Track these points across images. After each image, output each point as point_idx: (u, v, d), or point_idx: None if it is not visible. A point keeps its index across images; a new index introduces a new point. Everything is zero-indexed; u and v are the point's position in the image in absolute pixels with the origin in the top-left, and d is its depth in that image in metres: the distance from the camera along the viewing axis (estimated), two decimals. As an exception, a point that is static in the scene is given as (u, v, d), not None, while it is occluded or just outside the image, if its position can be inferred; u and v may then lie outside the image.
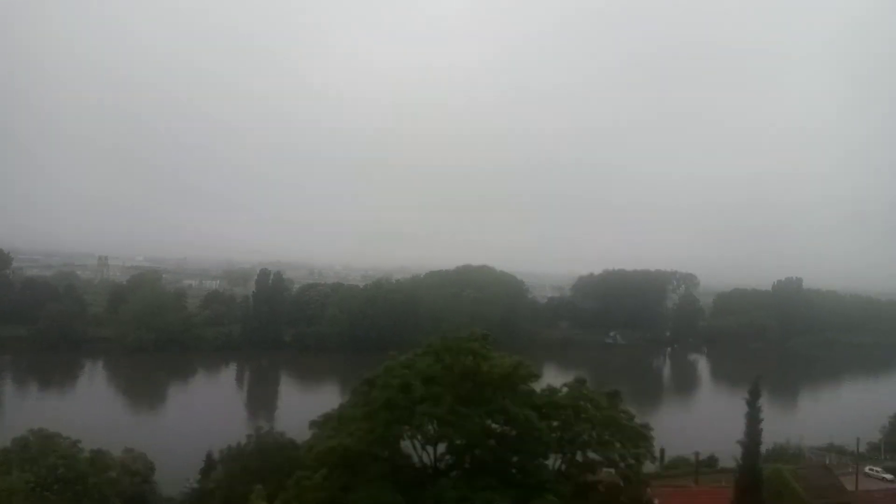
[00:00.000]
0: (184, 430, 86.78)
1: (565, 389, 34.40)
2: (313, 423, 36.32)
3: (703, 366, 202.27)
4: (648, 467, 58.41)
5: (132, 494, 56.72)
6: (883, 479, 74.71)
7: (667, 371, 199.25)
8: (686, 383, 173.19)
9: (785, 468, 58.67)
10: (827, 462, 75.56)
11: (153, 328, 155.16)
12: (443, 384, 31.38)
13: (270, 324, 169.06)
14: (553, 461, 32.35)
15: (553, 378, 61.32)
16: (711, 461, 78.20)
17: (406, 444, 33.10)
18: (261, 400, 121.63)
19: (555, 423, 31.91)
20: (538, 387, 35.01)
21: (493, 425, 31.35)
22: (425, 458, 32.75)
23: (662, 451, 79.36)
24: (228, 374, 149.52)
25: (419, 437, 31.44)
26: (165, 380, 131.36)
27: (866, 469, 76.83)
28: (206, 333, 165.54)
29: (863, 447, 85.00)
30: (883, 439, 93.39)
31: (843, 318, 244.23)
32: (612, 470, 32.53)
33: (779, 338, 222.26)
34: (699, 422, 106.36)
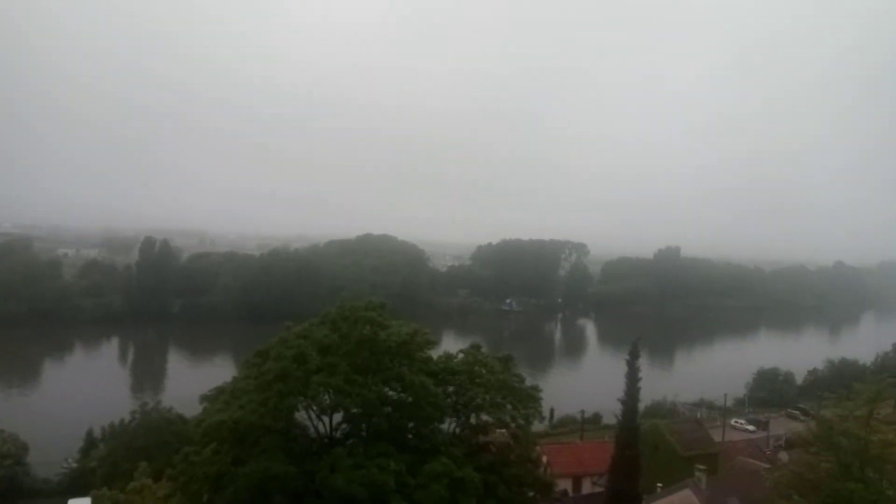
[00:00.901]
0: (61, 408, 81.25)
1: (461, 355, 35.11)
2: (204, 397, 35.04)
3: (590, 329, 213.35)
4: (538, 426, 61.44)
5: (1, 477, 52.82)
6: (746, 430, 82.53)
7: (558, 335, 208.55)
8: (575, 346, 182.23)
9: (661, 423, 63.37)
10: (698, 416, 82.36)
11: (24, 299, 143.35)
12: (339, 354, 31.12)
13: (156, 294, 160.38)
14: (448, 425, 33.11)
15: (451, 345, 62.59)
16: (596, 418, 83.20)
17: (302, 415, 32.71)
18: (147, 374, 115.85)
19: (450, 389, 32.59)
20: (436, 354, 35.55)
21: (390, 393, 31.53)
22: (321, 429, 32.54)
23: (552, 411, 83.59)
24: (110, 347, 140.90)
25: (314, 407, 31.13)
26: (39, 355, 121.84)
27: (732, 422, 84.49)
28: (84, 304, 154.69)
29: (729, 402, 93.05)
30: (747, 394, 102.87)
31: (716, 284, 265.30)
32: (504, 430, 33.72)
33: (659, 302, 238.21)
34: (586, 382, 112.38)
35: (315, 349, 31.11)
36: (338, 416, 32.34)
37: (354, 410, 30.63)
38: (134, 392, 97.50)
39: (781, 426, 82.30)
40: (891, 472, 27.31)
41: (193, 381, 70.34)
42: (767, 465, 48.60)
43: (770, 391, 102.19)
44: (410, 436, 31.48)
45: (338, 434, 32.50)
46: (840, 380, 77.27)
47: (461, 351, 35.51)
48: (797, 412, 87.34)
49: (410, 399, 30.65)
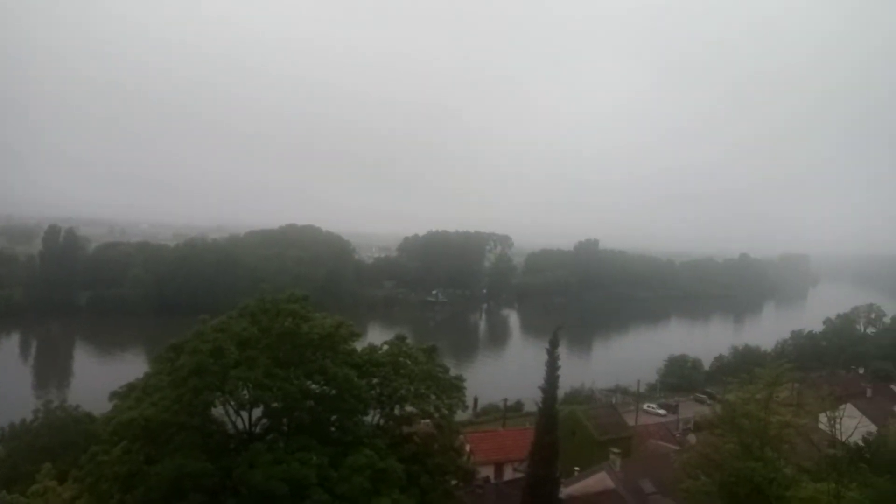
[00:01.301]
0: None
1: (386, 347, 34.96)
2: (114, 394, 33.30)
3: (514, 319, 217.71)
4: (462, 415, 62.21)
5: None
6: (657, 414, 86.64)
7: (483, 325, 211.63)
8: (499, 336, 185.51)
9: (578, 409, 65.58)
10: (613, 402, 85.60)
11: None
12: (259, 347, 30.30)
13: (62, 286, 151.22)
14: (372, 417, 32.98)
15: (377, 336, 62.20)
16: (518, 406, 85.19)
17: (219, 411, 31.72)
18: (51, 371, 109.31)
19: (374, 381, 32.40)
20: (361, 346, 35.27)
21: (313, 386, 31.03)
22: (240, 424, 31.67)
23: (476, 400, 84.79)
24: (10, 343, 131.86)
25: (232, 402, 30.23)
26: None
27: (645, 406, 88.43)
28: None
29: (642, 388, 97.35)
30: (659, 380, 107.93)
31: (631, 275, 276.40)
32: (428, 420, 33.93)
33: (578, 292, 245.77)
34: (509, 371, 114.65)
35: (233, 343, 30.16)
36: (258, 411, 31.56)
37: (275, 405, 29.94)
38: (37, 390, 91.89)
39: (690, 410, 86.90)
40: (787, 452, 29.38)
41: (102, 378, 66.98)
42: (677, 447, 51.34)
43: (680, 377, 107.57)
44: (333, 429, 31.13)
45: (257, 429, 31.71)
46: (743, 365, 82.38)
47: (386, 342, 35.35)
48: (704, 396, 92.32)
49: (334, 392, 30.25)
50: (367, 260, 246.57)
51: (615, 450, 49.28)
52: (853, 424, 33.67)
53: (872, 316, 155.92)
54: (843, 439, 30.58)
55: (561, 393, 69.44)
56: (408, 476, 28.88)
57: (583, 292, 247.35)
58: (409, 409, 32.79)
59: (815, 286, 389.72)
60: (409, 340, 38.44)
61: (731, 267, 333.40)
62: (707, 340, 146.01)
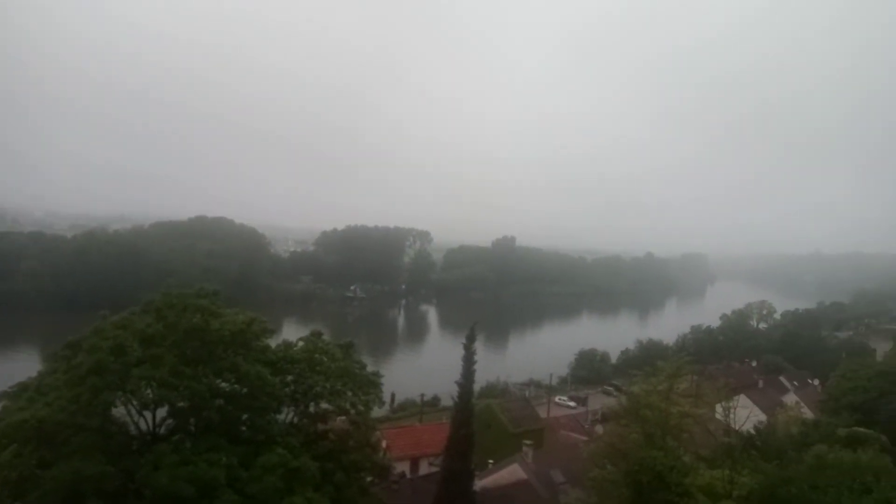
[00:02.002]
0: None
1: (301, 343, 34.27)
2: (3, 395, 30.96)
3: (432, 315, 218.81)
4: (379, 411, 61.99)
5: None
6: (568, 406, 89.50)
7: (401, 321, 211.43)
8: (417, 332, 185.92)
9: (493, 402, 66.85)
10: (527, 395, 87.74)
11: None
12: (165, 345, 28.93)
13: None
14: (286, 414, 32.28)
15: (293, 332, 60.82)
16: (435, 401, 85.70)
17: (121, 412, 30.11)
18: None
19: (289, 378, 31.70)
20: (276, 342, 34.41)
21: (223, 384, 30.00)
22: (143, 425, 30.18)
23: (393, 396, 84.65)
24: None
25: (135, 402, 28.76)
26: None
27: (556, 399, 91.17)
28: None
29: (554, 381, 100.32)
30: (570, 373, 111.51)
31: (546, 272, 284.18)
32: (344, 417, 33.57)
33: (495, 288, 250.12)
34: (427, 366, 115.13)
35: (136, 340, 28.67)
36: (163, 411, 30.19)
37: (181, 404, 28.71)
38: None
39: (598, 402, 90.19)
40: (687, 440, 31.09)
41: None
42: (586, 438, 53.23)
43: (589, 370, 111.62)
44: (244, 428, 30.20)
45: (163, 430, 30.32)
46: (647, 358, 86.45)
47: (301, 339, 34.66)
48: (611, 388, 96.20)
49: (245, 390, 29.36)
50: (283, 254, 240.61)
51: (528, 442, 50.58)
52: (746, 414, 36.09)
53: (764, 312, 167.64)
54: (737, 428, 32.70)
55: (477, 387, 70.44)
56: (322, 474, 28.46)
57: (500, 288, 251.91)
58: (324, 406, 32.31)
59: (712, 284, 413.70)
60: (325, 336, 37.86)
61: (638, 264, 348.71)
62: (615, 335, 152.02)
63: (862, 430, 31.00)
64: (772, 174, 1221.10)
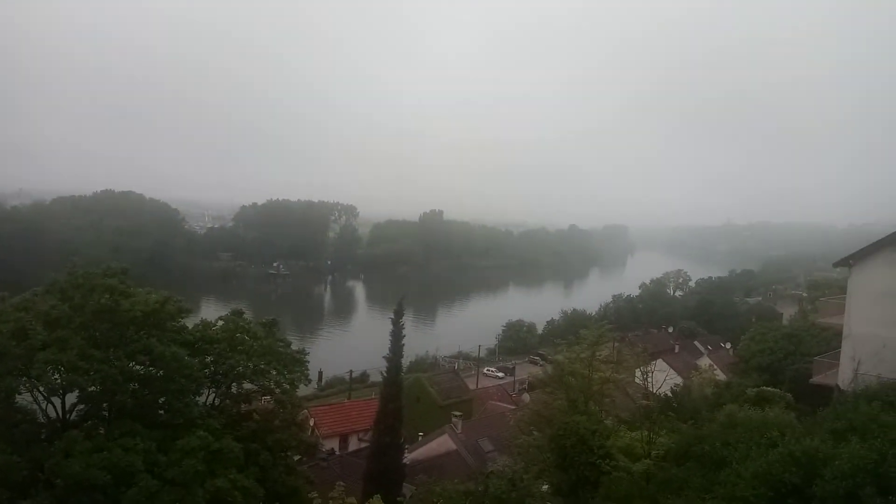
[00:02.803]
0: None
1: (221, 323, 33.04)
2: None
3: (359, 291, 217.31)
4: (306, 390, 61.15)
5: None
6: (496, 377, 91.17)
7: (328, 297, 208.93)
8: (344, 308, 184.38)
9: (423, 376, 67.26)
10: (456, 367, 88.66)
11: None
12: (72, 327, 27.22)
13: None
14: (206, 396, 31.22)
15: (212, 312, 58.85)
16: (364, 377, 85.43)
17: (27, 398, 28.29)
18: None
19: (208, 359, 30.55)
20: (193, 323, 33.04)
21: (137, 367, 28.61)
22: (51, 412, 28.45)
23: (320, 373, 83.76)
24: None
25: (41, 388, 27.03)
26: None
27: (485, 370, 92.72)
28: None
29: (483, 352, 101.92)
30: (497, 344, 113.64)
31: (473, 245, 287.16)
32: (269, 397, 32.83)
33: (424, 263, 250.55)
34: (355, 342, 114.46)
35: (40, 322, 26.85)
36: (73, 397, 28.55)
37: (92, 389, 27.24)
38: None
39: (525, 371, 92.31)
40: (608, 405, 32.16)
41: None
42: (513, 407, 54.37)
43: (516, 340, 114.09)
44: (162, 411, 29.02)
45: (73, 416, 28.71)
46: (571, 327, 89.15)
47: (221, 318, 33.42)
48: (538, 358, 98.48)
49: (161, 372, 28.10)
50: (199, 230, 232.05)
51: (457, 413, 51.26)
52: (663, 377, 37.64)
53: (680, 280, 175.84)
54: (655, 391, 34.05)
55: (406, 362, 70.47)
56: (246, 455, 27.73)
57: (428, 262, 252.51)
58: (247, 386, 31.42)
59: (632, 254, 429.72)
60: (247, 315, 36.69)
61: (562, 236, 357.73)
62: (541, 305, 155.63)
63: (769, 389, 32.93)
64: (686, 147, 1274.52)
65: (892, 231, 29.68)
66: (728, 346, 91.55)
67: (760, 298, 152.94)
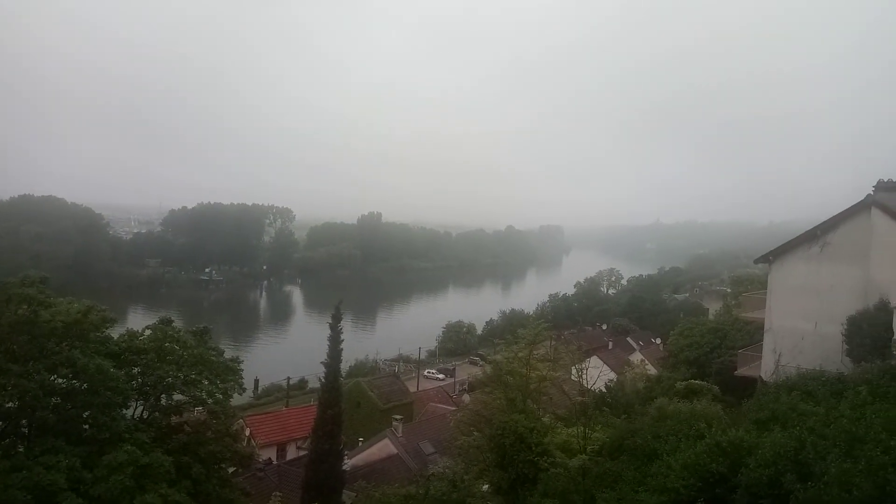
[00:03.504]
0: None
1: (149, 332, 31.74)
2: None
3: (297, 296, 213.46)
4: (242, 399, 59.66)
5: None
6: (437, 378, 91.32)
7: (263, 303, 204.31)
8: (281, 313, 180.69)
9: (363, 380, 66.62)
10: (396, 370, 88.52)
11: None
12: (-14, 340, 25.66)
13: None
14: (134, 409, 29.95)
15: (140, 321, 56.51)
16: (302, 384, 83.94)
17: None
18: None
19: (136, 370, 29.33)
20: (119, 332, 31.64)
21: (59, 381, 27.19)
22: (-37, 432, 26.68)
23: (256, 381, 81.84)
24: None
25: (-49, 407, 25.33)
26: None
27: (425, 372, 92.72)
28: None
29: (423, 354, 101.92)
30: (438, 346, 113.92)
31: (413, 247, 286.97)
32: (201, 408, 31.79)
33: (362, 266, 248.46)
34: (293, 348, 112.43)
35: (-52, 337, 25.15)
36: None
37: (10, 405, 25.74)
38: None
39: (465, 372, 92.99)
40: (546, 402, 32.69)
41: None
42: (453, 408, 54.52)
43: (456, 341, 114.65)
44: (87, 426, 27.64)
45: (-12, 436, 27.02)
46: (510, 327, 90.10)
47: (148, 327, 32.12)
48: (477, 358, 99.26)
49: (85, 385, 26.78)
50: (125, 236, 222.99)
51: (397, 416, 51.03)
52: (597, 374, 38.61)
53: (613, 278, 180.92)
54: (590, 387, 34.85)
55: (346, 366, 69.70)
56: (178, 468, 26.74)
57: (367, 265, 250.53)
58: (178, 397, 30.30)
59: (568, 254, 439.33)
60: (177, 323, 35.47)
61: (500, 237, 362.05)
62: (480, 306, 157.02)
63: (697, 382, 34.17)
64: (620, 150, 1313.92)
65: (808, 228, 31.35)
66: (658, 341, 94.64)
67: (688, 295, 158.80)
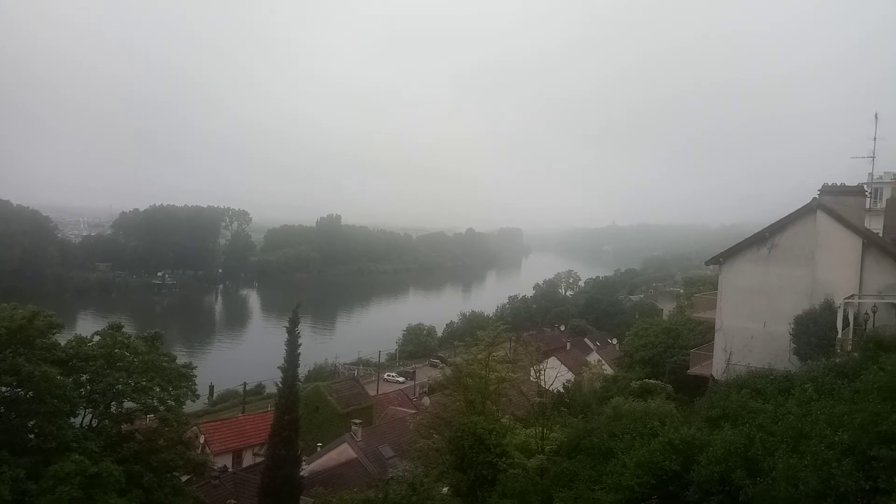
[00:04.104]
0: None
1: (97, 338, 30.74)
2: None
3: (254, 299, 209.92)
4: (196, 405, 58.23)
5: None
6: (397, 381, 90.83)
7: (219, 308, 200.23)
8: (238, 318, 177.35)
9: (322, 385, 65.86)
10: (356, 374, 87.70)
11: None
12: (-78, 348, 24.47)
13: None
14: (82, 418, 28.97)
15: (90, 327, 54.72)
16: (259, 389, 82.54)
17: None
18: None
19: (84, 377, 28.36)
20: (66, 338, 30.55)
21: (2, 389, 26.15)
22: None
23: (211, 388, 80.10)
24: None
25: None
26: None
27: (385, 375, 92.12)
28: None
29: (383, 358, 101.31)
30: (398, 349, 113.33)
31: (373, 250, 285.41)
32: (153, 415, 30.93)
33: (321, 269, 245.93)
34: (249, 353, 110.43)
35: None
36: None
37: (-53, 417, 24.61)
38: None
39: (426, 374, 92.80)
40: (505, 404, 32.88)
41: None
42: (413, 411, 54.39)
43: (416, 344, 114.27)
44: (32, 435, 26.61)
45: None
46: (470, 329, 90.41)
47: (97, 333, 31.11)
48: (438, 361, 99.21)
49: (30, 394, 25.79)
50: (74, 239, 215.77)
51: (357, 421, 50.54)
52: (555, 374, 39.00)
53: (571, 280, 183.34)
54: (548, 388, 35.19)
55: (304, 370, 68.84)
56: (129, 477, 25.94)
57: (326, 268, 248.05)
58: (128, 405, 29.43)
59: (527, 256, 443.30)
60: (128, 329, 34.50)
61: (460, 240, 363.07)
62: (440, 309, 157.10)
63: (651, 381, 34.90)
64: (578, 158, 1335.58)
65: (756, 231, 32.33)
66: (615, 341, 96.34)
67: (643, 296, 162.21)
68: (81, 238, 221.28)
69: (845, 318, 26.36)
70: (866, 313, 26.63)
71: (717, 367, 31.62)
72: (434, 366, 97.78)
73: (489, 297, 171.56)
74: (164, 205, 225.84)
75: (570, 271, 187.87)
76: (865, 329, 25.34)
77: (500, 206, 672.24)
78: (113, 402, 28.79)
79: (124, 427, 29.35)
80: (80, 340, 29.71)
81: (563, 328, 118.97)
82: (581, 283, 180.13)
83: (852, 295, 27.57)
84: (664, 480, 13.01)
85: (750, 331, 30.42)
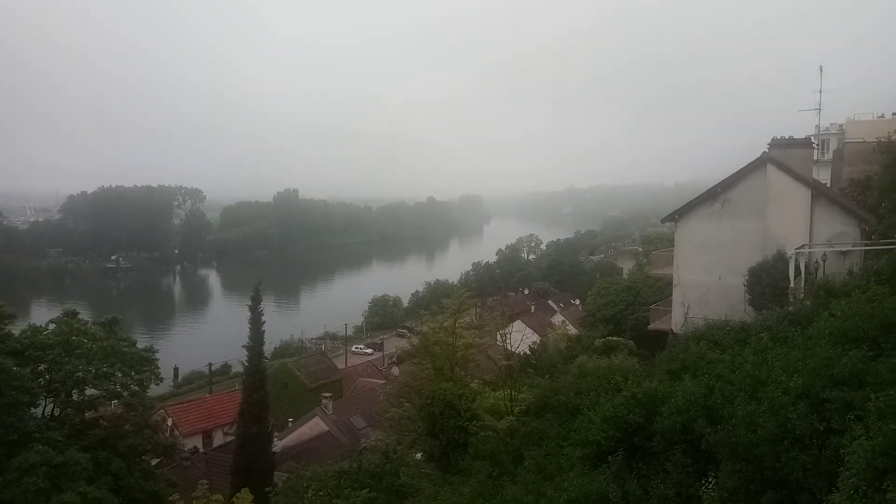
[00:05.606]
0: None
1: (53, 326, 29.89)
2: None
3: (213, 279, 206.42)
4: (161, 389, 57.46)
5: None
6: (365, 353, 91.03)
7: (177, 289, 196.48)
8: (198, 298, 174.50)
9: (289, 361, 65.64)
10: (323, 348, 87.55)
11: None
12: None
13: None
14: (44, 408, 28.31)
15: (44, 315, 53.10)
16: (225, 369, 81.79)
17: None
18: None
19: (41, 367, 27.64)
20: (19, 328, 29.62)
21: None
22: None
23: (176, 370, 79.03)
24: None
25: None
26: None
27: (353, 348, 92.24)
28: None
29: (350, 330, 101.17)
30: (364, 321, 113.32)
31: (333, 223, 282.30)
32: (117, 401, 30.42)
33: (281, 244, 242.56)
34: (213, 333, 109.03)
35: None
36: None
37: None
38: None
39: (394, 345, 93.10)
40: (473, 369, 33.30)
41: None
42: (383, 381, 54.73)
43: (383, 315, 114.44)
44: (-9, 430, 25.94)
45: None
46: (435, 297, 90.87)
47: (52, 321, 30.26)
48: (405, 331, 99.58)
49: (-14, 387, 25.02)
50: (20, 225, 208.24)
51: (327, 394, 50.70)
52: (521, 337, 39.60)
53: (532, 244, 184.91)
54: (515, 351, 35.75)
55: (270, 347, 68.43)
56: (96, 464, 25.58)
57: (286, 244, 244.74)
58: (90, 392, 28.84)
59: (488, 222, 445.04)
60: (84, 315, 33.63)
61: (421, 209, 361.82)
62: (405, 279, 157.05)
63: (614, 338, 35.75)
64: (530, 122, 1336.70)
65: (708, 188, 33.01)
66: (577, 302, 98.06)
67: (603, 256, 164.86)
68: (29, 224, 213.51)
69: (797, 268, 27.31)
70: (816, 262, 27.65)
71: (675, 321, 32.52)
72: (401, 336, 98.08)
73: (453, 265, 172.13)
74: (114, 186, 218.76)
75: (531, 235, 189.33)
76: (816, 277, 26.32)
77: (459, 174, 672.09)
78: (74, 391, 28.19)
79: (88, 414, 28.82)
80: (35, 329, 28.86)
81: (526, 292, 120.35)
82: (543, 247, 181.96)
83: (803, 245, 28.54)
84: (629, 433, 13.42)
85: (706, 284, 31.31)
